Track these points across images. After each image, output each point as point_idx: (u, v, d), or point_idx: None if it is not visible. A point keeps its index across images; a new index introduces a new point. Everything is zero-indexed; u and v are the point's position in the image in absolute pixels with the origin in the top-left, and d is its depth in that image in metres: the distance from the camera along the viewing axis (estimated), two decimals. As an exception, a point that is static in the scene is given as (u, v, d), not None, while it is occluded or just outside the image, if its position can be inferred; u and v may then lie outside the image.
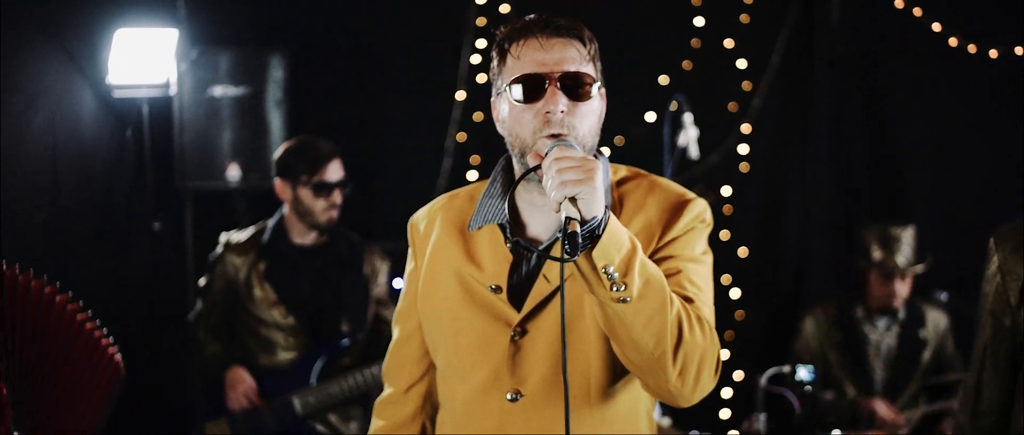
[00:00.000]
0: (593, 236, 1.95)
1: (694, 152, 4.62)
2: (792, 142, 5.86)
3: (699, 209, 2.25)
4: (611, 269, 1.95)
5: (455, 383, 2.31)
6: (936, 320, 5.22)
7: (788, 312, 5.67)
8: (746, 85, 5.76)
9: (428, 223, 2.39)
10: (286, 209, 4.35)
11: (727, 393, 5.71)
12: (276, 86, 5.19)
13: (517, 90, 2.16)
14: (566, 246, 1.94)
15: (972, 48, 5.47)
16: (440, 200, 2.43)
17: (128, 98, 4.89)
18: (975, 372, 2.67)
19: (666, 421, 4.58)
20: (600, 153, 2.24)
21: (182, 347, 5.18)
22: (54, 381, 3.04)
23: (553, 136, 2.11)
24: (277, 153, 4.40)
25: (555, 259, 1.98)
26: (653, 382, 2.11)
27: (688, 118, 4.59)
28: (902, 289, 5.10)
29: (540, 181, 2.09)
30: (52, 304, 2.93)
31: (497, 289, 2.24)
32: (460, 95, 5.61)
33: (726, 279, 5.64)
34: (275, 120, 5.18)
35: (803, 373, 4.10)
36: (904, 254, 5.07)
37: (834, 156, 5.84)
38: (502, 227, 2.24)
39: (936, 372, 5.18)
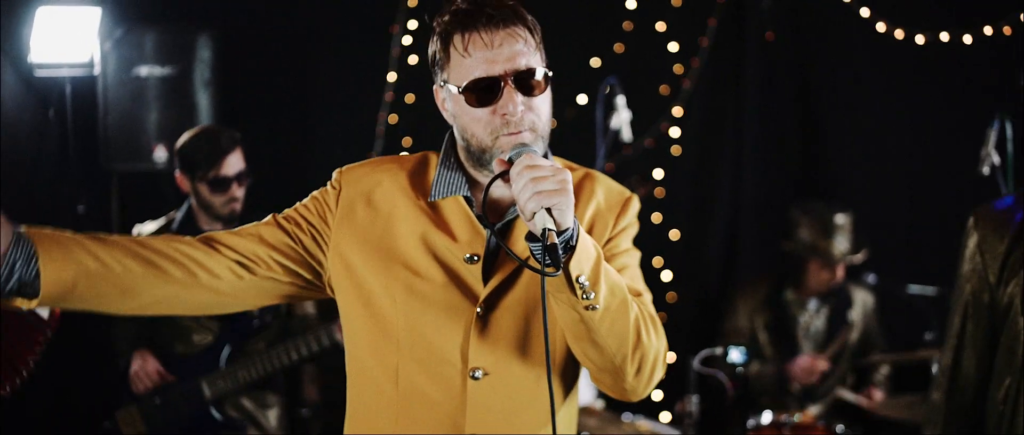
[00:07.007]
0: (568, 246, 1.98)
1: (627, 135, 4.62)
2: (723, 125, 5.91)
3: (637, 207, 2.32)
4: (583, 279, 1.99)
5: (402, 358, 2.20)
6: (864, 301, 5.31)
7: (719, 294, 5.72)
8: (678, 68, 5.78)
9: (370, 180, 2.27)
10: (193, 199, 4.29)
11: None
12: (203, 66, 5.09)
13: (470, 95, 2.12)
14: (547, 258, 1.94)
15: (899, 33, 5.53)
16: (385, 163, 2.31)
17: (50, 78, 4.79)
18: (952, 350, 2.71)
19: (599, 403, 4.59)
20: (548, 151, 2.22)
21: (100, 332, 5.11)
22: None
23: (512, 133, 2.11)
24: (177, 144, 4.28)
25: (536, 270, 1.98)
26: (610, 380, 2.17)
27: (620, 101, 4.59)
28: (838, 275, 5.18)
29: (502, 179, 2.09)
30: None
31: (473, 259, 2.18)
32: (391, 77, 5.57)
33: (658, 262, 5.67)
34: (202, 101, 5.09)
35: (735, 355, 4.14)
36: (843, 243, 5.12)
37: (765, 139, 5.89)
38: (467, 200, 2.22)
39: (863, 353, 5.26)
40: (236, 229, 2.26)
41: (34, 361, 3.20)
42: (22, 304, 2.05)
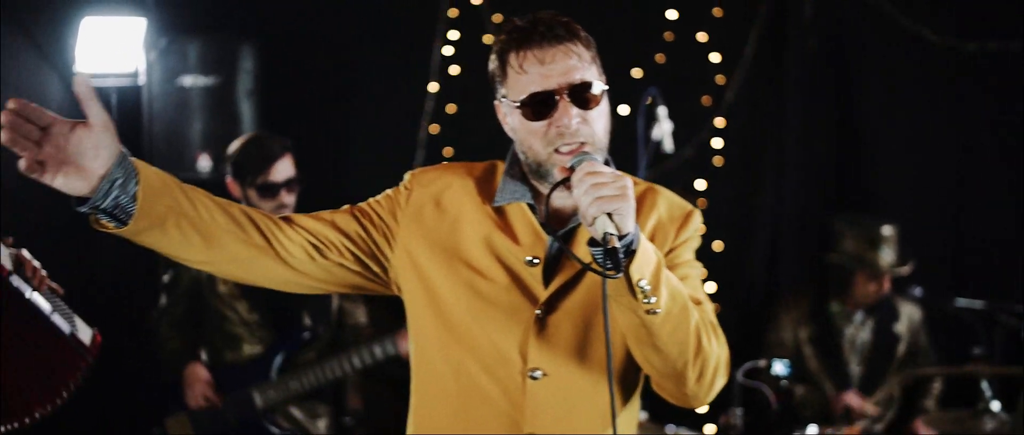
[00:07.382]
0: (628, 251, 2.00)
1: (669, 146, 4.61)
2: (766, 136, 5.85)
3: (699, 220, 2.35)
4: (644, 283, 2.02)
5: (464, 355, 2.27)
6: (910, 314, 5.23)
7: (763, 305, 5.66)
8: (719, 79, 5.74)
9: (440, 183, 2.35)
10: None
11: (702, 387, 5.68)
12: (247, 76, 5.14)
13: (527, 109, 2.19)
14: (607, 262, 1.98)
15: (945, 42, 5.48)
16: (455, 168, 2.40)
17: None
18: None
19: (643, 415, 4.56)
20: (609, 159, 2.26)
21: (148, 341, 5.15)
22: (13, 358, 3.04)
23: (571, 148, 2.16)
24: (228, 151, 4.34)
25: (598, 272, 2.01)
26: (672, 386, 2.20)
27: (662, 112, 4.58)
28: (884, 287, 5.11)
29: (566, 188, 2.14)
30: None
31: (533, 262, 2.25)
32: (433, 87, 5.57)
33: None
34: (246, 110, 5.14)
35: (779, 367, 4.10)
36: (889, 254, 5.06)
37: (808, 150, 5.84)
38: (531, 207, 2.28)
39: (910, 366, 5.18)
40: (312, 213, 2.33)
41: (75, 385, 3.23)
42: (108, 227, 2.06)
